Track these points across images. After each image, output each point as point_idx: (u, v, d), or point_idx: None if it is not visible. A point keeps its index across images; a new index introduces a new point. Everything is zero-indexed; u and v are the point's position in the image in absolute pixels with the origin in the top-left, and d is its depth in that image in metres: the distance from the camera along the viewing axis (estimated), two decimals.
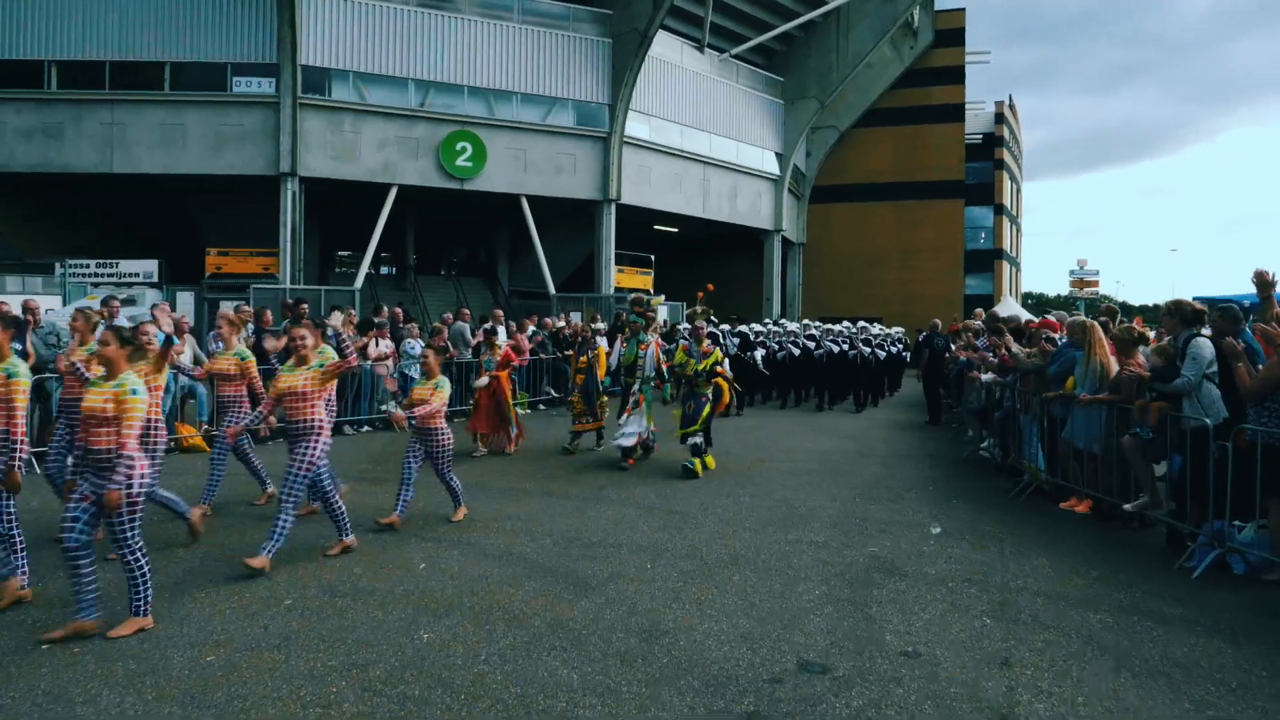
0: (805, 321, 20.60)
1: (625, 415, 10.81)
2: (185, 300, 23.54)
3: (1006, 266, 49.60)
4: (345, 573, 6.08)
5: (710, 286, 12.61)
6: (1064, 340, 8.72)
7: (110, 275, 24.34)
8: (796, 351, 19.10)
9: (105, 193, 27.23)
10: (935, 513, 8.32)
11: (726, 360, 12.40)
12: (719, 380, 10.68)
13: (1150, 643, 4.96)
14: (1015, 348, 9.36)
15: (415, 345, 14.62)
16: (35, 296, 15.05)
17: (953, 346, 16.41)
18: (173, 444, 11.50)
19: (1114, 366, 7.91)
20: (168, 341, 6.77)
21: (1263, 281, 6.61)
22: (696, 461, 10.12)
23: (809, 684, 4.36)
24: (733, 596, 5.67)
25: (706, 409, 10.32)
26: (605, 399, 12.59)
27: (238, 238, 25.77)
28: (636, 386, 10.89)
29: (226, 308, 13.28)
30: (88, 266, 24.49)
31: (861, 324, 20.35)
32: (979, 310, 18.70)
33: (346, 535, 6.62)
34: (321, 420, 6.32)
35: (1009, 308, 28.70)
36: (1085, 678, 4.48)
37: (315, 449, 6.22)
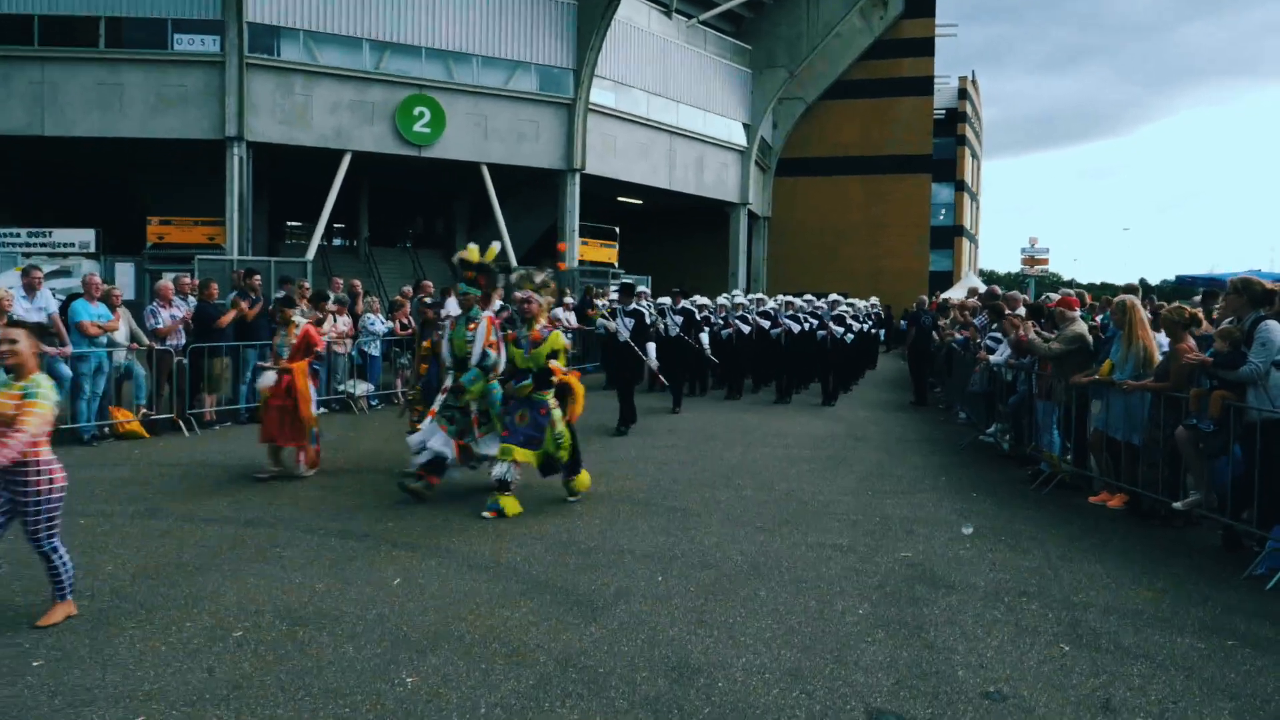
0: (760, 295, 18.20)
1: (429, 418, 7.75)
2: (125, 272, 22.20)
3: (966, 243, 49.42)
4: (306, 591, 5.17)
5: (562, 246, 9.51)
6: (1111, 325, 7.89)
7: (43, 245, 22.90)
8: (746, 329, 16.04)
9: (37, 157, 25.60)
10: (959, 509, 7.59)
11: (637, 343, 9.63)
12: (564, 377, 7.65)
13: (1260, 675, 4.25)
14: (1033, 335, 8.51)
15: (376, 321, 13.62)
16: None
17: (940, 324, 15.80)
18: (108, 429, 10.49)
19: (1156, 350, 7.23)
20: None
21: None
22: (505, 501, 7.16)
23: None
24: (766, 619, 4.86)
25: (555, 421, 7.41)
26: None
27: (181, 206, 24.40)
28: (449, 381, 7.77)
29: (167, 280, 12.20)
30: (18, 236, 23.04)
31: (833, 298, 17.89)
32: (973, 286, 18.08)
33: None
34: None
35: (971, 284, 28.22)
36: None
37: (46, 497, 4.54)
